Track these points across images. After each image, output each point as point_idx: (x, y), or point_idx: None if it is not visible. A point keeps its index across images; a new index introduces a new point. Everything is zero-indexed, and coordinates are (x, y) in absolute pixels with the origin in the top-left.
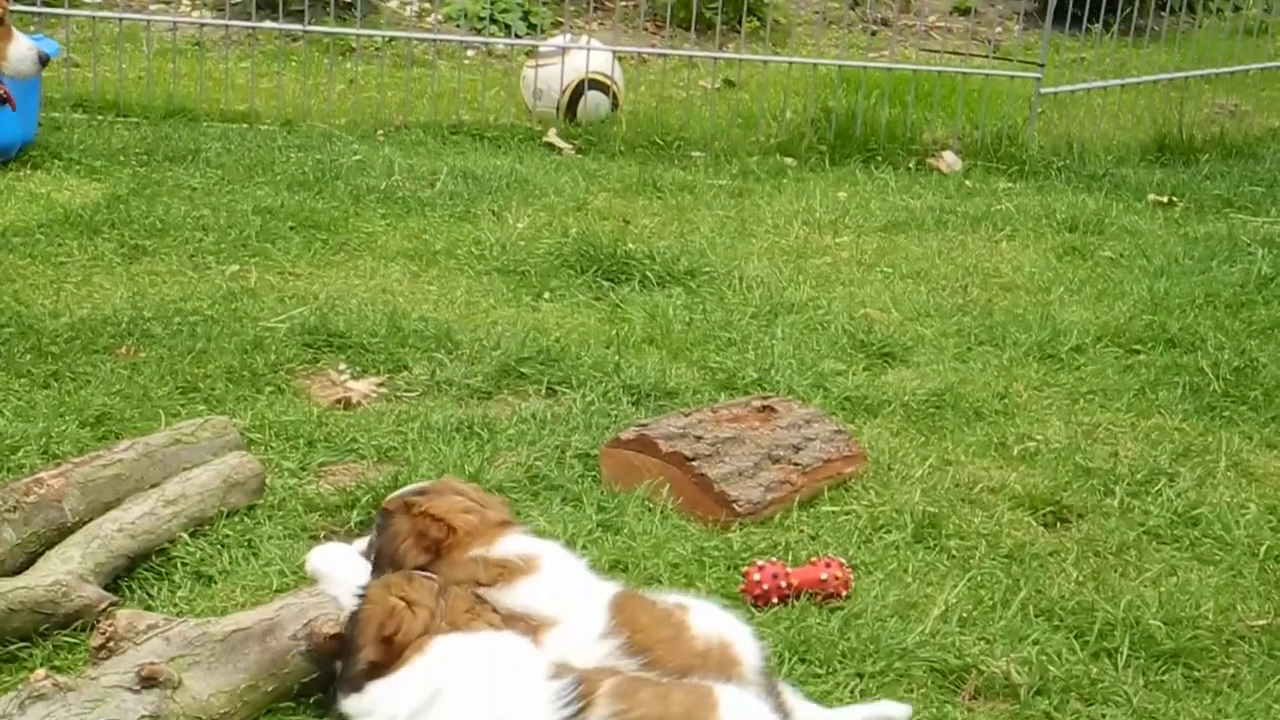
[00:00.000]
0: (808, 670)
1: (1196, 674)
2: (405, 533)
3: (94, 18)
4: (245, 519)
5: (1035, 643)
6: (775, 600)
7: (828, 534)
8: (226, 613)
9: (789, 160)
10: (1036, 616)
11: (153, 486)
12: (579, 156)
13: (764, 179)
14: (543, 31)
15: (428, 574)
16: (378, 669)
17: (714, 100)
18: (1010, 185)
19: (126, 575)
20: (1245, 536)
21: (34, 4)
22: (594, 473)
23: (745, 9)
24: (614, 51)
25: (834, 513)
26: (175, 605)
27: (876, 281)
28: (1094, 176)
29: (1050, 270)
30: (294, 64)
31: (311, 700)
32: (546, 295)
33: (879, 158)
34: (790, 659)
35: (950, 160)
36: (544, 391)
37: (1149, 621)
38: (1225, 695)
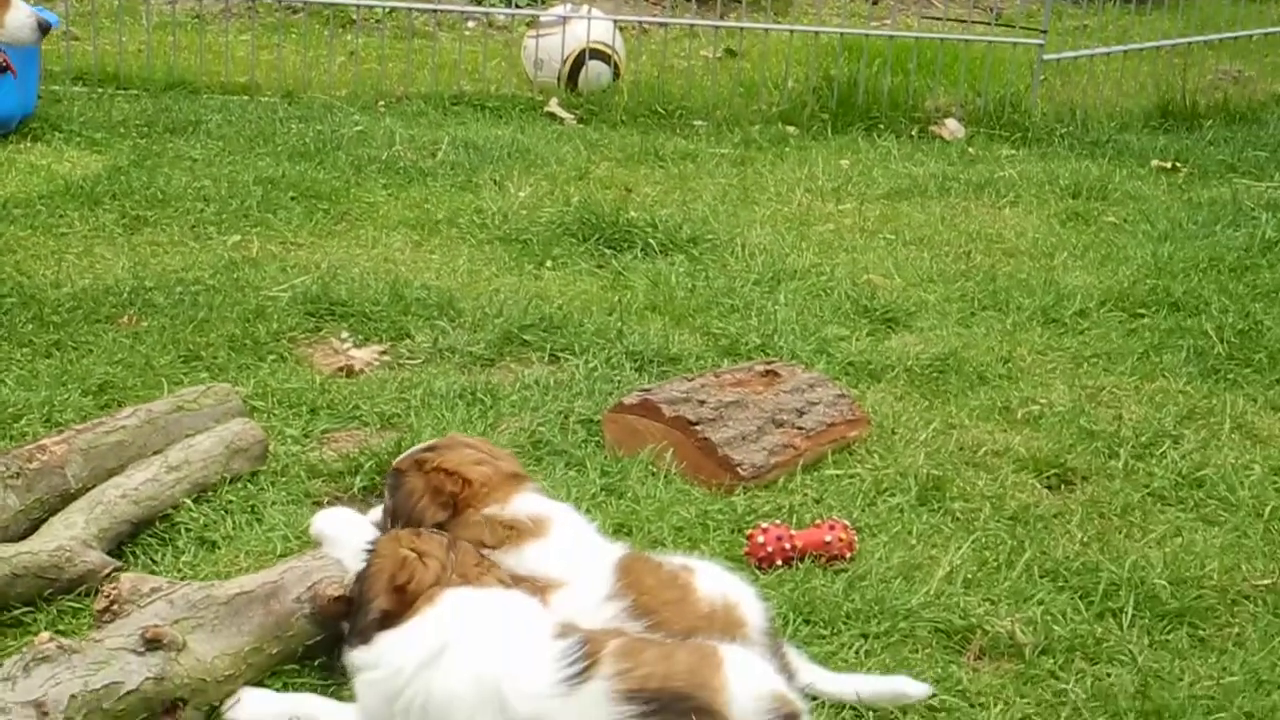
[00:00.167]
0: (812, 631)
1: (1201, 633)
2: (420, 490)
3: None
4: (248, 485)
5: (1040, 603)
6: (779, 563)
7: (831, 497)
8: (230, 577)
9: (791, 129)
10: (1041, 577)
11: (155, 453)
12: (580, 126)
13: (766, 147)
14: (543, 2)
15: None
16: (389, 619)
17: (716, 69)
18: (1013, 152)
19: (130, 541)
20: (1250, 497)
21: None
22: (597, 438)
23: None
24: (615, 21)
25: (838, 476)
26: (179, 570)
27: (879, 248)
28: (1097, 143)
29: (1053, 236)
30: (294, 36)
31: (315, 663)
32: (549, 263)
33: (881, 126)
34: (795, 620)
35: (953, 128)
36: (547, 358)
37: (1154, 581)
38: (1230, 654)
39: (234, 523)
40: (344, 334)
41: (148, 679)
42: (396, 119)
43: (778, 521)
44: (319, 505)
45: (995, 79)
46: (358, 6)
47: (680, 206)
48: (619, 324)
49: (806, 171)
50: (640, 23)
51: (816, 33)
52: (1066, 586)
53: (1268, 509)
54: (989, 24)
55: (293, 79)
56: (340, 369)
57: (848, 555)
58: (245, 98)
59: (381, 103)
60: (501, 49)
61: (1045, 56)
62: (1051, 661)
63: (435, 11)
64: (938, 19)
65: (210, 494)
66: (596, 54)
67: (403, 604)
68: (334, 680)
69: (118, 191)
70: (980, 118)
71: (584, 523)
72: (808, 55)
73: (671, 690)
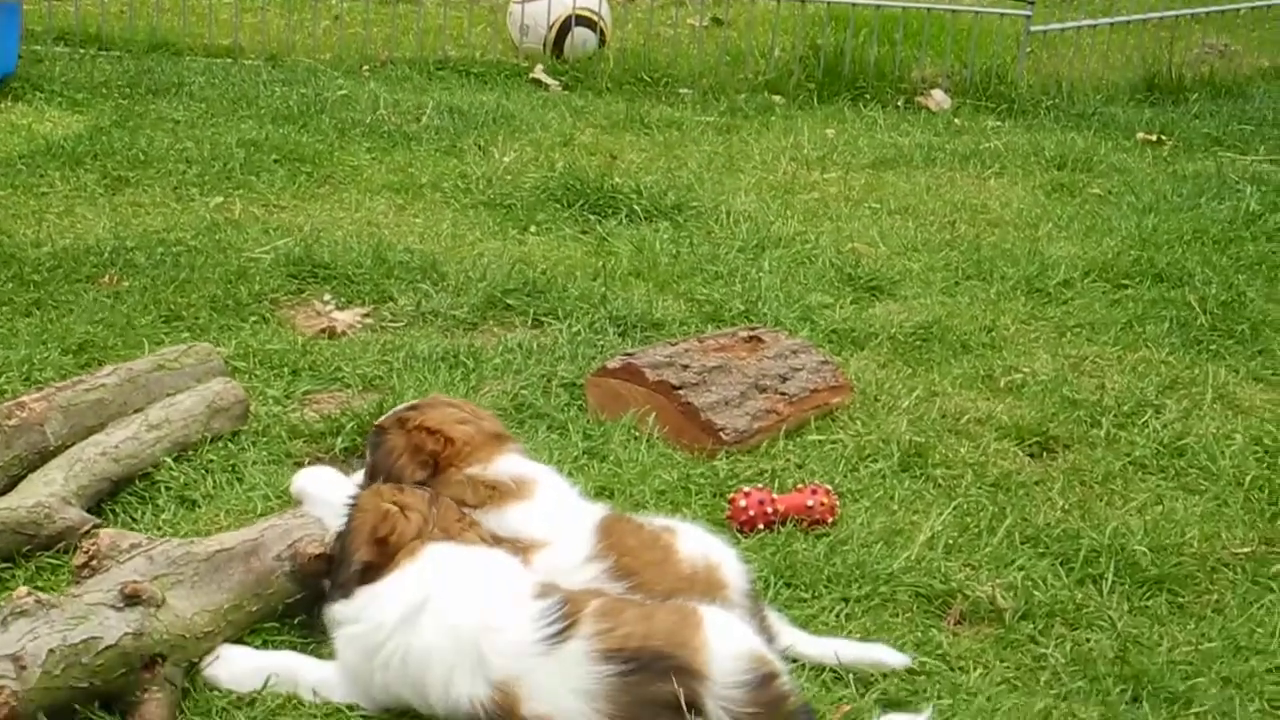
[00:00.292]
0: (793, 595)
1: (1181, 599)
2: (401, 448)
3: None
4: (229, 444)
5: (1021, 568)
6: (761, 526)
7: (814, 462)
8: (210, 536)
9: (777, 98)
10: (1022, 543)
11: (136, 411)
12: (566, 93)
13: (752, 116)
14: None
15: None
16: (370, 572)
17: (702, 38)
18: (999, 123)
19: (110, 499)
20: (1230, 466)
21: None
22: (580, 402)
23: None
24: None
25: (820, 442)
26: (159, 528)
27: (864, 217)
28: (1083, 115)
29: (1038, 207)
30: None
31: (295, 621)
32: (533, 228)
33: (867, 96)
34: (776, 583)
35: (939, 98)
36: (530, 322)
37: (1134, 548)
38: (1209, 620)
39: (214, 482)
40: (326, 296)
41: (126, 634)
42: (381, 83)
43: (760, 486)
44: (300, 465)
45: (982, 50)
46: None
47: (665, 173)
48: (603, 289)
49: (792, 140)
50: None
51: (803, 1)
52: (1047, 553)
53: (1248, 478)
54: None
55: (276, 42)
56: (322, 331)
57: (829, 520)
58: (228, 60)
59: (366, 67)
60: (487, 14)
61: (1032, 28)
62: (1031, 626)
63: None
64: None
65: (191, 453)
66: (582, 20)
67: (384, 556)
68: (314, 638)
69: (99, 152)
70: (966, 89)
71: (566, 485)
72: (794, 24)
73: (651, 650)
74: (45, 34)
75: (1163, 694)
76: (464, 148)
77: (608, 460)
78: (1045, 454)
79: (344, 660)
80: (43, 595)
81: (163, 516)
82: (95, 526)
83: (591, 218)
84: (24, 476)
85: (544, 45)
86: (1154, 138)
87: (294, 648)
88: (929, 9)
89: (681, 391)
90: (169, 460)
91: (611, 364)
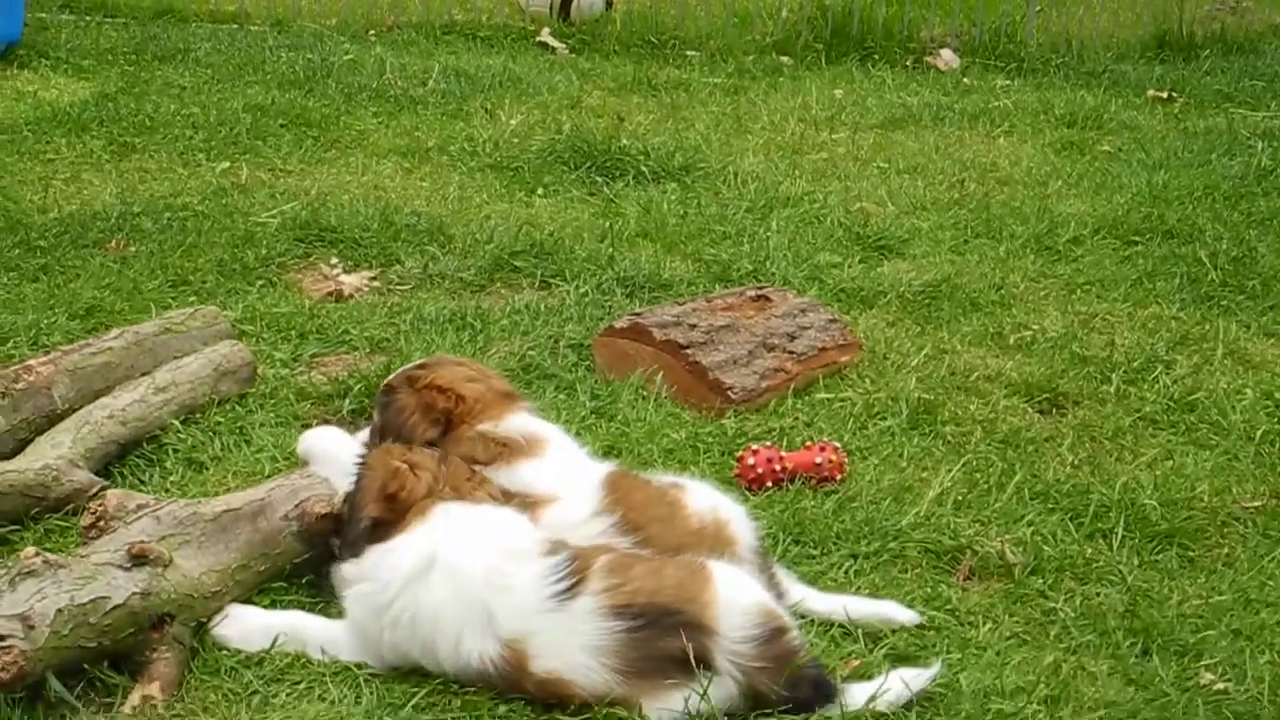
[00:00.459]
0: (802, 551)
1: (1191, 554)
2: (412, 407)
3: None
4: (236, 407)
5: (1030, 524)
6: (770, 484)
7: (822, 420)
8: (218, 497)
9: (785, 59)
10: (1032, 499)
11: (143, 375)
12: (572, 56)
13: (760, 77)
14: None
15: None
16: (379, 529)
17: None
18: (1008, 82)
19: (118, 462)
20: (1241, 421)
21: None
22: (587, 362)
23: None
24: None
25: (829, 400)
26: (167, 490)
27: (873, 176)
28: (1093, 73)
29: (1048, 165)
30: None
31: (303, 581)
32: (540, 191)
33: (876, 56)
34: (784, 540)
35: (948, 58)
36: (537, 284)
37: (1144, 503)
38: (1219, 574)
39: (222, 444)
40: (333, 260)
41: (134, 594)
42: (387, 48)
43: (768, 444)
44: (307, 427)
45: (990, 9)
46: None
47: (673, 135)
48: (610, 250)
49: (800, 101)
50: None
51: None
52: (1057, 508)
53: (1259, 433)
54: None
55: (282, 7)
56: (329, 294)
57: (838, 477)
58: (234, 26)
59: (372, 31)
60: None
61: None
62: (1041, 581)
63: None
64: None
65: (198, 416)
66: None
67: (393, 514)
68: (322, 598)
69: (105, 118)
70: (975, 48)
71: (575, 444)
72: None
73: (660, 605)
74: (50, 1)
75: (1173, 647)
76: (470, 111)
77: (615, 420)
78: (1055, 410)
79: (352, 619)
80: (50, 555)
81: (170, 479)
82: (103, 488)
83: (599, 180)
84: (31, 440)
85: (550, 9)
86: (1165, 95)
87: (302, 607)
88: None
89: (689, 351)
90: (176, 423)
91: (619, 324)
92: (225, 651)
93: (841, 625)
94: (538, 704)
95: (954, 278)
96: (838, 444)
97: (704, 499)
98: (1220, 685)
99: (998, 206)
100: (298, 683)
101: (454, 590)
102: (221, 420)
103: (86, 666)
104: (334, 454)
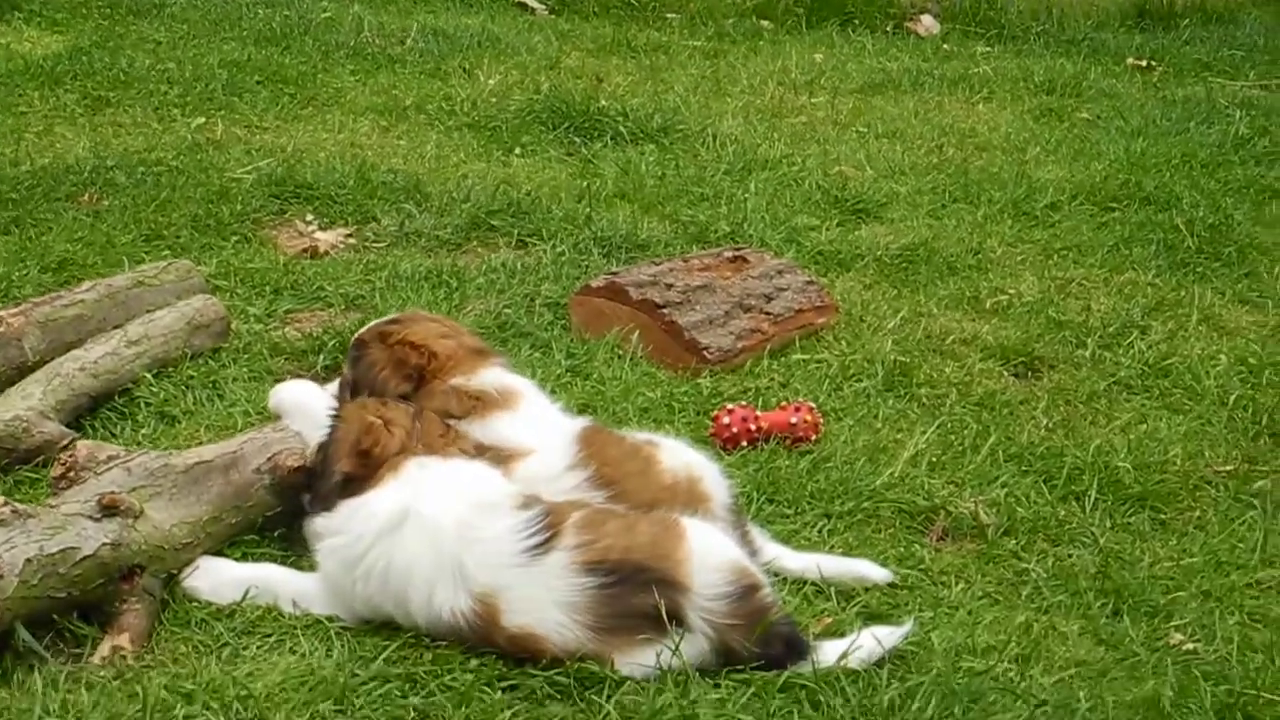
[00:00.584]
0: (775, 510)
1: (1163, 516)
2: (383, 362)
3: None
4: (209, 361)
5: (1004, 485)
6: (744, 443)
7: (798, 381)
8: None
9: (765, 23)
10: (1006, 461)
11: (115, 328)
12: (551, 17)
13: (740, 41)
14: None
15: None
16: (352, 484)
17: None
18: (988, 49)
19: (89, 414)
20: (1215, 386)
21: None
22: (563, 320)
23: None
24: None
25: (805, 361)
26: (139, 443)
27: (851, 140)
28: (1072, 41)
29: (1026, 131)
30: None
31: (275, 534)
32: (517, 150)
33: (856, 21)
34: (758, 499)
35: (928, 24)
36: (514, 243)
37: (1117, 466)
38: (1191, 536)
39: (194, 398)
40: (309, 216)
41: (104, 545)
42: (365, 6)
43: (744, 404)
44: (280, 381)
45: None
46: None
47: (651, 97)
48: (587, 210)
49: (779, 65)
50: None
51: None
52: (1030, 470)
53: (1231, 398)
54: None
55: None
56: (305, 250)
57: (813, 437)
58: None
59: None
60: None
61: None
62: (1014, 542)
63: None
64: None
65: (171, 369)
66: None
67: (366, 469)
68: (293, 551)
69: (79, 72)
70: (956, 14)
71: (548, 399)
72: None
73: (633, 562)
74: None
75: (1143, 608)
76: (449, 70)
77: (591, 378)
78: (1030, 374)
79: (325, 572)
80: (19, 505)
81: (142, 432)
82: (74, 440)
83: (577, 140)
84: (1, 391)
85: None
86: (1144, 63)
87: (274, 560)
88: None
89: (665, 310)
90: (148, 376)
91: (595, 283)
92: (196, 604)
93: (814, 583)
94: (509, 658)
95: (931, 241)
96: (813, 404)
97: (678, 455)
98: (1189, 645)
99: (976, 172)
100: (269, 635)
101: (426, 543)
102: (194, 374)
103: (56, 617)
104: (306, 407)
